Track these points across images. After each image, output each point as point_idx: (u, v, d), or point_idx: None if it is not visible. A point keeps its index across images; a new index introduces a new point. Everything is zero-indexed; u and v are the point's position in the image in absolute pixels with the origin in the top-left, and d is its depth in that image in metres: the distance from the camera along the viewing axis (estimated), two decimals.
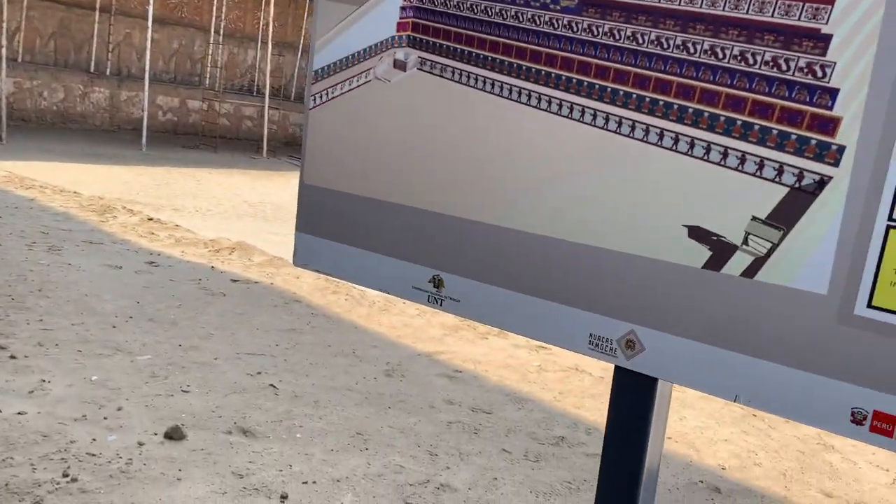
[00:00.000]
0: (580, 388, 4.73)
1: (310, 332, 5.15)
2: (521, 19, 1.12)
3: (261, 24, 25.34)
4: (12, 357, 3.95)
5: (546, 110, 1.10)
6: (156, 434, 3.33)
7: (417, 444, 3.63)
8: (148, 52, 20.14)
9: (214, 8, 24.23)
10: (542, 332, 1.12)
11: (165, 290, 5.64)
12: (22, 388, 3.61)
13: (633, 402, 1.17)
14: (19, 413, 3.34)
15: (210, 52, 24.58)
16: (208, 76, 24.95)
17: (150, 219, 8.78)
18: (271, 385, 4.08)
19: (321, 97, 1.32)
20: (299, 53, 26.94)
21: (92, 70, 22.48)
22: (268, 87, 22.07)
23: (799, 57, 1.02)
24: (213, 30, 24.20)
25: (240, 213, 11.76)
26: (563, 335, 1.10)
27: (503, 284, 1.15)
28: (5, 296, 4.93)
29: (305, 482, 3.11)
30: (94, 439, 3.21)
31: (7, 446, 3.05)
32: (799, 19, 1.02)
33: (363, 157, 1.29)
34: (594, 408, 4.42)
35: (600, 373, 5.04)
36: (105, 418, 3.43)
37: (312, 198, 1.38)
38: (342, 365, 4.58)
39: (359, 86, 1.26)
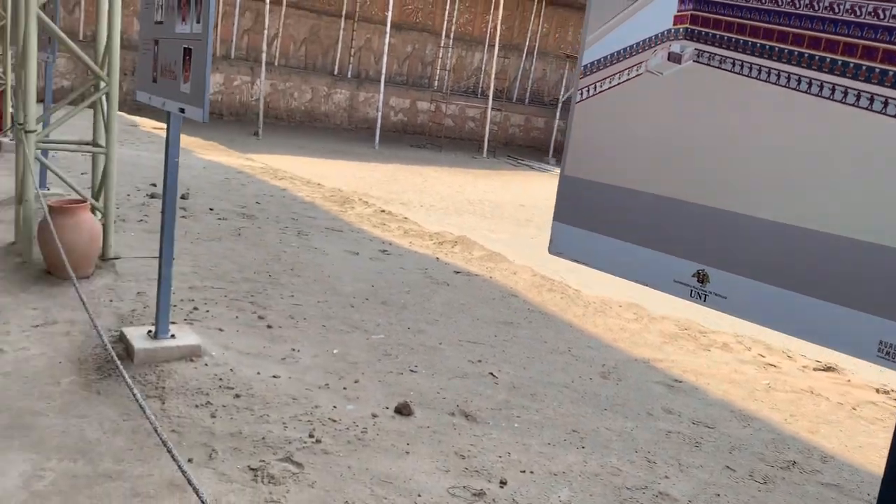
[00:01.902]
0: (814, 412, 4.36)
1: (526, 327, 5.25)
2: (808, 6, 1.08)
3: (489, 27, 26.06)
4: (269, 326, 4.46)
5: (835, 100, 1.04)
6: (387, 408, 3.59)
7: (634, 448, 3.56)
8: (385, 56, 21.55)
9: (446, 12, 25.33)
10: (822, 336, 1.06)
11: (396, 277, 6.04)
12: (276, 355, 4.06)
13: None
14: (274, 376, 3.76)
15: (440, 55, 25.76)
16: (437, 78, 26.17)
17: (383, 211, 9.42)
18: (491, 373, 4.22)
19: (588, 91, 1.36)
20: (524, 55, 27.35)
21: (335, 73, 24.54)
22: (492, 88, 22.66)
23: None
24: (444, 34, 25.35)
25: (461, 209, 12.24)
26: (847, 340, 1.04)
27: (777, 283, 1.11)
28: (264, 272, 5.57)
29: (523, 471, 3.18)
30: (334, 406, 3.53)
31: (264, 405, 3.46)
32: None
33: (630, 149, 1.31)
34: (831, 435, 4.05)
35: (838, 398, 4.60)
36: (344, 388, 3.75)
37: (573, 189, 1.43)
38: (558, 362, 4.62)
39: (629, 79, 1.28)
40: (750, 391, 4.56)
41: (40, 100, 5.89)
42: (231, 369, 3.72)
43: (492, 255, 7.45)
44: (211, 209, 7.56)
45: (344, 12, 23.92)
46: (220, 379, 3.60)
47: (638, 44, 1.27)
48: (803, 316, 1.08)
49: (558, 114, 24.60)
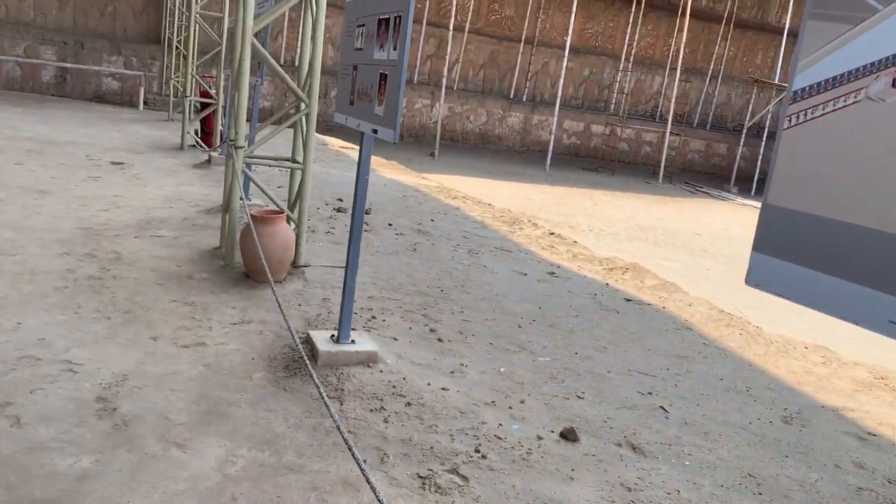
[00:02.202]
0: None
1: (701, 362, 5.01)
2: None
3: (671, 50, 25.34)
4: (439, 340, 4.59)
5: None
6: (552, 431, 3.57)
7: (818, 502, 3.29)
8: (562, 80, 21.57)
9: (627, 36, 24.95)
10: None
11: (564, 300, 6.01)
12: (445, 368, 4.18)
13: None
14: (443, 388, 3.87)
15: (618, 78, 25.38)
16: (613, 102, 25.78)
17: (552, 233, 9.40)
18: (661, 407, 4.08)
19: (798, 118, 1.30)
20: (707, 79, 26.29)
21: (511, 96, 24.90)
22: (671, 113, 21.96)
23: None
24: (623, 57, 24.96)
25: (631, 235, 11.94)
26: None
27: None
28: (436, 287, 5.75)
29: None
30: (500, 424, 3.57)
31: (433, 415, 3.56)
32: None
33: (844, 179, 1.23)
34: None
35: None
36: (510, 407, 3.79)
37: (776, 218, 1.37)
38: (735, 401, 4.37)
39: (846, 106, 1.22)
40: None
41: (247, 119, 6.49)
42: (404, 378, 3.88)
43: (665, 285, 7.20)
44: (390, 224, 7.93)
45: (523, 37, 24.27)
46: (394, 386, 3.76)
47: (858, 69, 1.20)
48: None
49: (742, 140, 23.34)
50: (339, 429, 2.13)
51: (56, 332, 3.91)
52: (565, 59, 21.19)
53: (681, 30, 23.23)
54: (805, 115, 1.29)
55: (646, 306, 6.26)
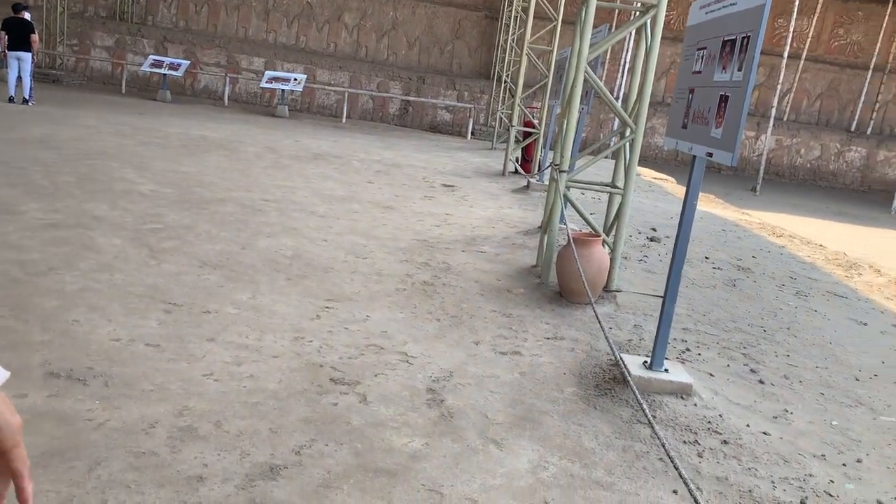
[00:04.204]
0: None
1: None
2: None
3: None
4: (760, 382, 4.28)
5: None
6: (895, 498, 3.12)
7: None
8: None
9: None
10: None
11: None
12: (767, 412, 3.87)
13: None
14: (764, 433, 3.59)
15: None
16: None
17: None
18: None
19: None
20: None
21: (852, 129, 22.33)
22: None
23: None
24: None
25: None
26: None
27: None
28: (758, 326, 5.37)
29: None
30: (831, 480, 3.21)
31: (752, 458, 3.32)
32: None
33: None
34: None
35: None
36: (844, 465, 3.38)
37: None
38: None
39: None
40: None
41: None
42: (720, 415, 3.68)
43: None
44: (706, 258, 7.59)
45: (873, 64, 21.68)
46: (709, 422, 3.59)
47: None
48: None
49: None
50: (663, 446, 2.11)
51: (396, 327, 4.41)
52: None
53: None
54: None
55: None
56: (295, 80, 19.70)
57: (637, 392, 2.45)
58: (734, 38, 3.30)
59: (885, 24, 21.52)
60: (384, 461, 2.93)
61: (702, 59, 3.69)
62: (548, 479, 2.96)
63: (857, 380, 4.56)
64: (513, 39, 15.32)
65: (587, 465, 3.10)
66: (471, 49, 22.72)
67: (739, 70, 3.20)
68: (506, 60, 16.03)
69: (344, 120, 20.54)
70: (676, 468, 1.98)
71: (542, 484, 2.92)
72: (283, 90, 19.49)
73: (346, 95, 20.59)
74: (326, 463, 2.84)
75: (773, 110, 19.49)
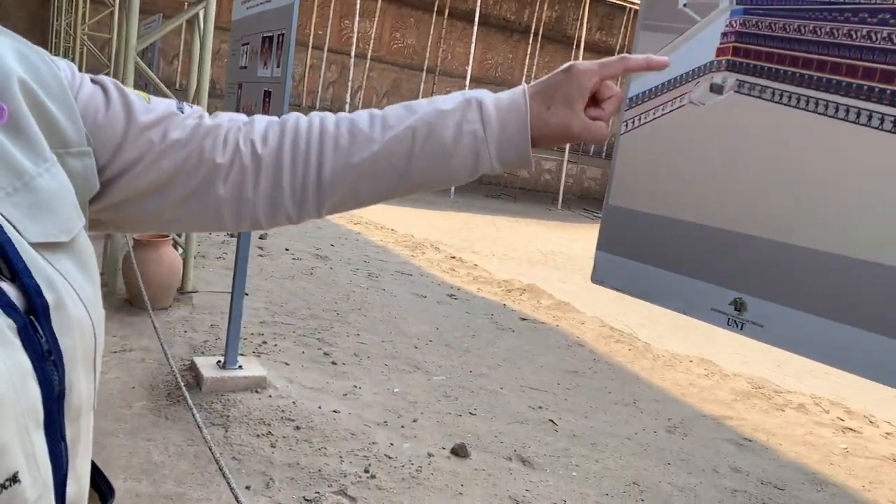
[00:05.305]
0: None
1: (591, 377, 5.16)
2: (846, 35, 1.08)
3: None
4: (333, 363, 4.54)
5: (872, 127, 1.03)
6: (443, 448, 3.58)
7: None
8: None
9: (525, 67, 25.74)
10: (861, 367, 1.03)
11: (461, 321, 6.06)
12: (338, 391, 4.12)
13: None
14: (334, 411, 3.82)
15: None
16: None
17: (453, 257, 9.50)
18: (551, 420, 4.16)
19: (634, 123, 1.38)
20: None
21: None
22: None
23: None
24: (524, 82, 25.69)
25: (532, 259, 12.20)
26: (891, 372, 1.00)
27: (816, 311, 1.08)
28: (332, 311, 5.69)
29: None
30: (391, 444, 3.55)
31: (323, 438, 3.50)
32: None
33: (672, 179, 1.31)
34: None
35: None
36: (402, 427, 3.77)
37: (616, 218, 1.44)
38: (622, 413, 4.51)
39: (672, 110, 1.30)
40: (825, 455, 4.33)
41: None
42: (293, 402, 3.80)
43: (560, 305, 7.39)
44: (286, 249, 7.80)
45: (426, 66, 24.64)
46: (283, 411, 3.68)
47: (682, 76, 1.28)
48: (842, 345, 1.05)
49: None
50: (210, 450, 2.06)
51: None
52: (466, 88, 21.61)
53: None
54: (639, 119, 1.37)
55: (540, 325, 6.40)
56: None
57: (188, 395, 2.37)
58: (272, 34, 3.38)
59: (431, 31, 24.62)
60: None
61: (246, 54, 3.72)
62: None
63: (415, 347, 5.13)
64: (67, 24, 13.78)
65: (155, 482, 2.92)
66: (20, 33, 19.83)
67: (278, 66, 3.29)
68: (61, 49, 14.37)
69: None
70: (220, 467, 1.96)
71: None
72: None
73: None
74: None
75: (347, 106, 20.93)
